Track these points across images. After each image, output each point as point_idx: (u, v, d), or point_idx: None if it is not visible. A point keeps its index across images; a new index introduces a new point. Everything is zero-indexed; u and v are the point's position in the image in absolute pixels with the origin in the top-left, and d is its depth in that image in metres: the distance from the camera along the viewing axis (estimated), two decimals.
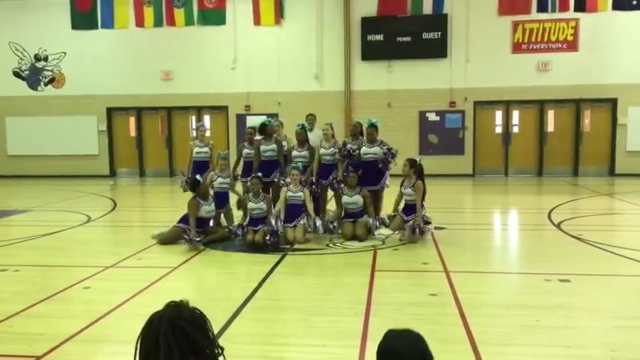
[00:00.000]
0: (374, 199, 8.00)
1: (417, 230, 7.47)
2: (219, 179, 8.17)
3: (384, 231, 7.98)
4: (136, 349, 1.69)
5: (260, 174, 7.90)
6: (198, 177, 7.83)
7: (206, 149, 9.02)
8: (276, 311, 4.96)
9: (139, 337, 1.69)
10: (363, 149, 8.01)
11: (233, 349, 3.83)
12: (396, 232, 7.82)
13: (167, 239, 7.56)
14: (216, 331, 4.12)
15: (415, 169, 7.67)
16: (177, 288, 5.76)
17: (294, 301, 5.34)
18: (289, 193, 7.75)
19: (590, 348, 3.97)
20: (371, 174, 7.99)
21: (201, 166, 8.79)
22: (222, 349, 1.72)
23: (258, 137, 8.56)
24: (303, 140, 8.26)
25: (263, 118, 8.71)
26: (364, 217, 7.81)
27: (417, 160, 7.82)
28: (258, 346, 4.13)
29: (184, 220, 7.67)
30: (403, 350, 1.74)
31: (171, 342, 1.61)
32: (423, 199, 7.68)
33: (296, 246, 7.40)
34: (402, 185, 7.78)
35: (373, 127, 8.08)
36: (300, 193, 7.72)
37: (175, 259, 6.79)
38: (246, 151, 8.61)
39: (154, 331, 1.64)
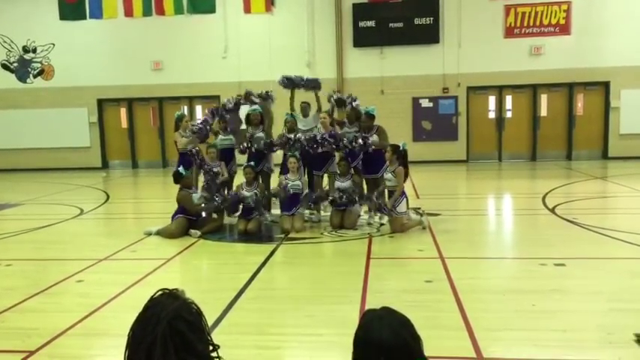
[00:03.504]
0: (375, 187, 7.95)
1: (381, 209, 7.44)
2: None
3: (377, 219, 7.98)
4: (128, 338, 1.64)
5: (252, 163, 7.88)
6: (181, 169, 7.77)
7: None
8: (271, 301, 4.93)
9: (132, 328, 1.64)
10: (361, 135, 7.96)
11: (229, 340, 3.82)
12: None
13: (173, 233, 7.41)
14: (211, 321, 4.11)
15: (398, 155, 7.44)
16: (171, 279, 5.73)
17: (289, 290, 5.31)
18: (287, 182, 7.72)
19: (586, 331, 3.97)
20: (370, 162, 7.94)
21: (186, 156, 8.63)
22: (218, 346, 1.69)
23: (243, 127, 8.49)
24: (292, 129, 8.18)
25: (254, 107, 8.59)
26: (355, 206, 7.78)
27: (400, 145, 7.51)
28: (253, 337, 4.10)
29: (179, 212, 7.62)
30: (383, 340, 1.55)
31: (169, 344, 1.56)
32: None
33: (291, 235, 7.38)
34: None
35: (368, 115, 8.00)
36: (298, 182, 7.69)
37: (169, 251, 6.75)
38: (220, 137, 8.48)
39: (150, 330, 1.58)
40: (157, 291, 1.68)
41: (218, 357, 1.69)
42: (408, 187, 11.14)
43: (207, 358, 1.65)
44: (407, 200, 7.54)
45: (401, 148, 7.46)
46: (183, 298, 1.67)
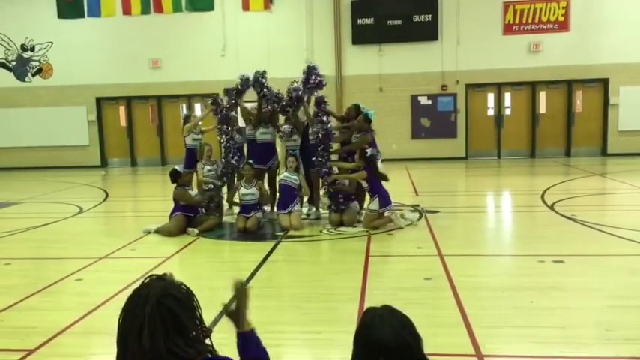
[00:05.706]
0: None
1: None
2: (207, 167, 8.06)
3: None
4: (119, 324, 1.61)
5: (251, 161, 7.86)
6: (177, 168, 7.78)
7: (199, 136, 8.90)
8: (270, 299, 4.93)
9: (122, 312, 1.61)
10: (353, 137, 7.97)
11: (227, 338, 3.81)
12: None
13: (172, 231, 7.41)
14: (210, 320, 4.10)
15: (365, 161, 7.42)
16: None
17: (288, 288, 5.32)
18: (284, 175, 7.71)
19: (585, 328, 3.97)
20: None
21: (193, 153, 8.64)
22: (210, 331, 1.68)
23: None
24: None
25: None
26: (354, 203, 7.77)
27: (368, 152, 7.46)
28: None
29: (177, 210, 7.62)
30: (383, 340, 1.54)
31: (157, 323, 1.54)
32: (380, 185, 7.52)
33: (290, 233, 7.38)
34: None
35: (366, 118, 7.93)
36: (296, 176, 7.68)
37: (168, 249, 6.75)
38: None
39: (140, 309, 1.56)
40: (146, 277, 1.67)
41: (211, 345, 1.67)
42: (405, 184, 11.20)
43: (198, 343, 1.61)
44: (380, 200, 7.38)
45: (369, 154, 7.45)
46: (171, 279, 1.66)
